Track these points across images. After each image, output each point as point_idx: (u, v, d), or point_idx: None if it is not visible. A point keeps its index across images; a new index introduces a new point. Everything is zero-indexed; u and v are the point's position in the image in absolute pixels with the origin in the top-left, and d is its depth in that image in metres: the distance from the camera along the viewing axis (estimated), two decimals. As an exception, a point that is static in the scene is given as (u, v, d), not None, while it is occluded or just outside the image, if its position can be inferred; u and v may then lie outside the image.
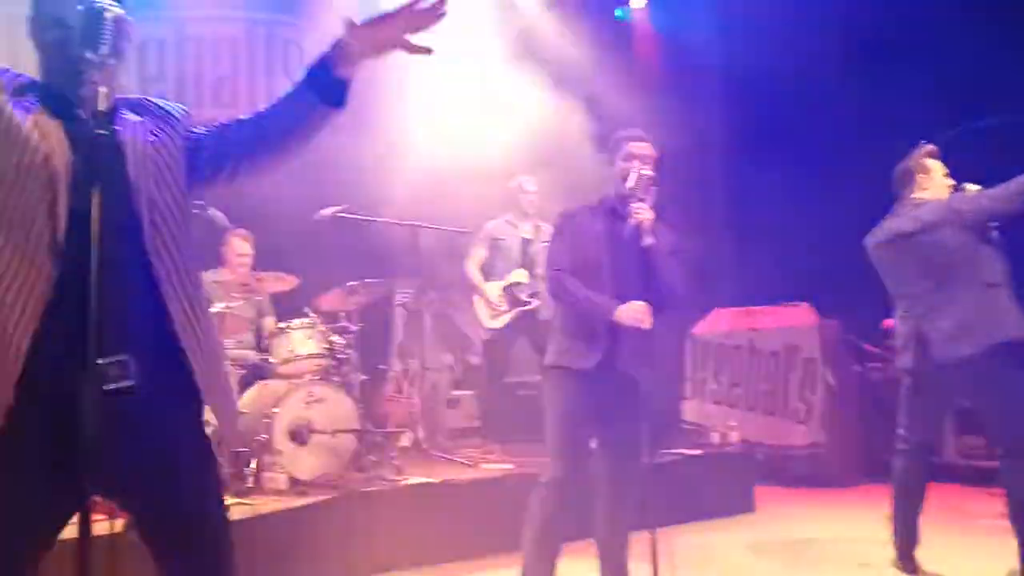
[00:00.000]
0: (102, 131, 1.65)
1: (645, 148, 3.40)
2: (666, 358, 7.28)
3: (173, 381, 1.80)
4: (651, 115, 5.94)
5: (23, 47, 1.90)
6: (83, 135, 1.70)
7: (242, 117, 1.98)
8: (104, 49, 1.66)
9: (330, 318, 5.14)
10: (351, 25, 1.86)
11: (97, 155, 1.62)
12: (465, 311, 6.51)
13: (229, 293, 4.94)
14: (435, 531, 4.40)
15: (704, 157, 8.10)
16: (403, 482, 4.62)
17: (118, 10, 1.71)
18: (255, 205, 4.58)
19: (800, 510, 5.89)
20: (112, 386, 1.67)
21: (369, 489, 4.46)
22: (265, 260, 5.36)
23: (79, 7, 1.70)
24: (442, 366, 6.43)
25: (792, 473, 6.66)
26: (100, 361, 1.61)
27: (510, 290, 5.86)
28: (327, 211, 5.09)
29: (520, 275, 5.88)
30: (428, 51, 1.91)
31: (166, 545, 1.85)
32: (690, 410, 7.51)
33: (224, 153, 1.95)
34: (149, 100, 1.97)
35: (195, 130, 1.96)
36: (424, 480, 4.69)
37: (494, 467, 5.16)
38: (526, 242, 5.92)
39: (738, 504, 5.73)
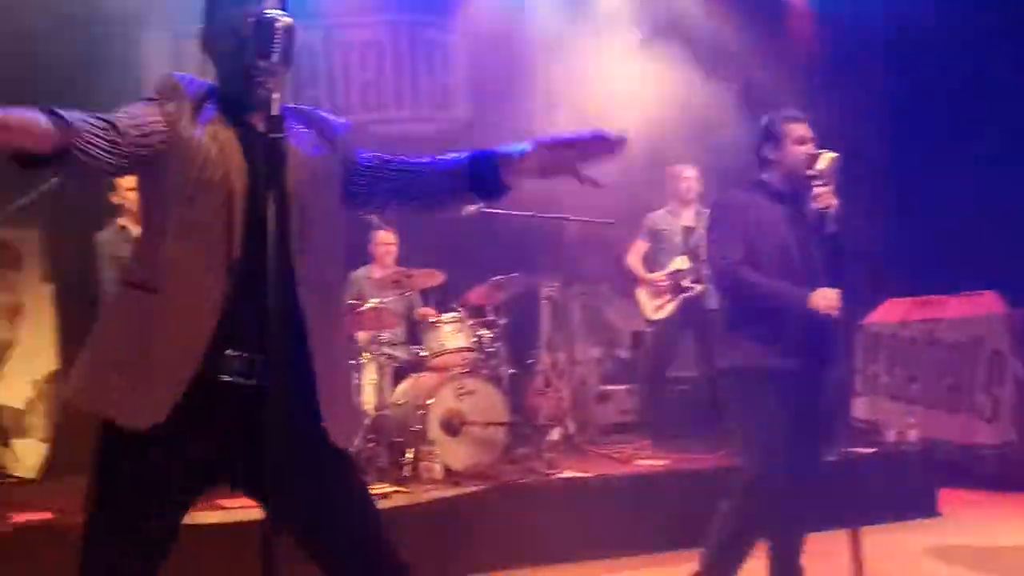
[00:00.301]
0: (273, 135, 1.81)
1: (808, 129, 3.46)
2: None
3: (304, 382, 1.97)
4: (808, 94, 5.97)
5: (189, 63, 2.18)
6: (256, 142, 1.91)
7: (403, 161, 2.17)
8: (275, 57, 1.84)
9: (477, 312, 5.49)
10: (532, 146, 2.05)
11: (269, 161, 1.80)
12: (614, 304, 6.72)
13: (381, 288, 5.37)
14: (589, 526, 4.58)
15: (870, 137, 7.97)
16: (556, 476, 4.87)
17: (287, 19, 1.87)
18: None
19: (990, 514, 5.73)
20: (231, 378, 1.89)
21: (523, 481, 4.75)
22: (414, 256, 5.76)
23: (251, 18, 1.88)
24: (590, 360, 6.65)
25: (980, 474, 6.47)
26: (231, 352, 1.88)
27: (672, 278, 6.06)
28: (472, 207, 5.40)
29: (681, 262, 6.06)
30: (597, 184, 2.08)
31: (312, 546, 2.01)
32: (861, 406, 7.42)
33: (378, 190, 2.17)
34: (315, 112, 2.17)
35: (361, 154, 2.17)
36: (578, 475, 4.92)
37: (648, 463, 5.35)
38: (688, 230, 6.11)
39: (920, 506, 5.63)
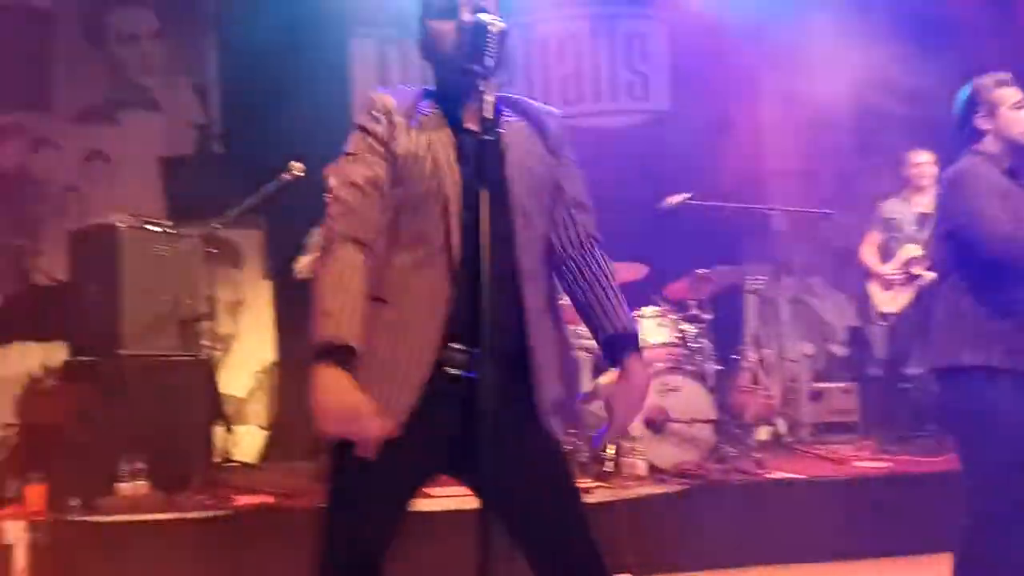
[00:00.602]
0: (488, 137, 1.90)
1: (1021, 93, 3.25)
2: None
3: (525, 375, 2.07)
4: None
5: (393, 65, 2.32)
6: (471, 145, 2.02)
7: (583, 247, 2.20)
8: (489, 61, 1.93)
9: (680, 307, 5.48)
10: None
11: (483, 165, 1.89)
12: (826, 298, 6.54)
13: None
14: (800, 529, 4.51)
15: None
16: (765, 476, 4.82)
17: (500, 24, 1.96)
18: (602, 195, 5.01)
19: None
20: (454, 371, 2.00)
21: (730, 481, 4.73)
22: (614, 248, 5.81)
23: (465, 24, 2.00)
24: (801, 356, 6.51)
25: None
26: (452, 345, 2.00)
27: (905, 267, 5.87)
28: (674, 199, 5.42)
29: (914, 249, 5.86)
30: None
31: (522, 538, 2.09)
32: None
33: (553, 252, 2.22)
34: (527, 101, 2.25)
35: (569, 190, 2.21)
36: (789, 476, 4.86)
37: (867, 465, 5.20)
38: (923, 217, 5.89)
39: None
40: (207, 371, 5.27)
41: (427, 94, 2.19)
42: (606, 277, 2.21)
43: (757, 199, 5.83)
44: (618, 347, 2.14)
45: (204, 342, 5.16)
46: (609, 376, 2.15)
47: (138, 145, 6.65)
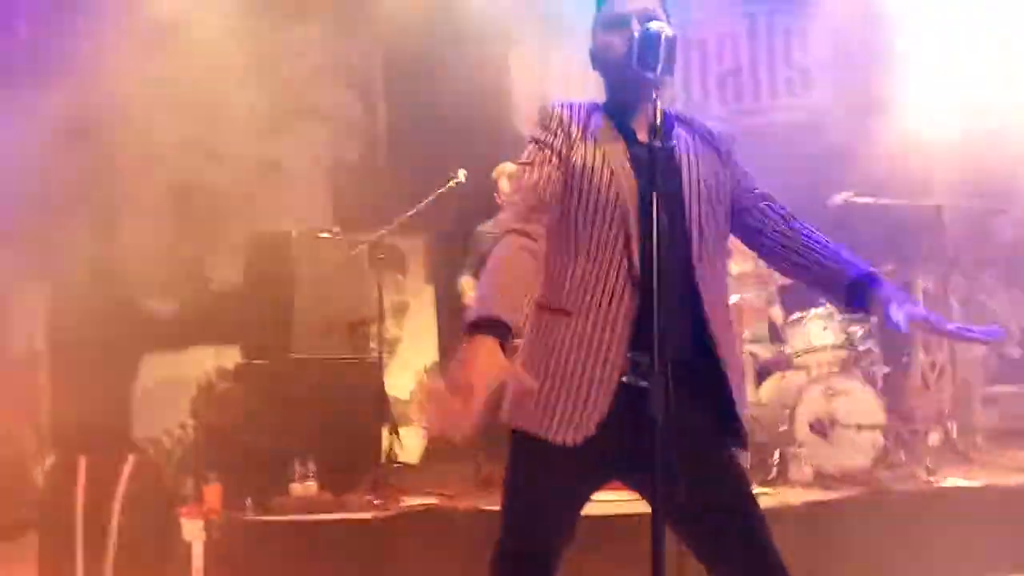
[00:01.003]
0: (660, 145, 1.92)
1: None
2: None
3: (702, 379, 2.10)
4: None
5: (555, 75, 2.35)
6: (643, 153, 2.02)
7: (791, 230, 2.24)
8: (660, 70, 1.96)
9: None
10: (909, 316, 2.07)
11: (657, 170, 1.92)
12: (999, 296, 6.23)
13: (741, 284, 5.38)
14: (976, 540, 4.29)
15: None
16: (938, 483, 4.64)
17: (669, 32, 2.00)
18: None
19: None
20: (627, 379, 2.03)
21: (901, 488, 4.57)
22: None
23: (635, 32, 2.03)
24: (974, 358, 6.22)
25: None
26: (634, 356, 2.02)
27: None
28: (839, 197, 5.28)
29: None
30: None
31: (702, 547, 2.12)
32: None
33: (755, 239, 2.28)
34: (695, 119, 2.31)
35: (752, 189, 2.26)
36: (963, 483, 4.66)
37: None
38: None
39: None
40: (374, 373, 5.42)
41: (599, 106, 2.23)
42: (821, 237, 2.24)
43: (924, 195, 5.60)
44: (862, 290, 2.15)
45: (372, 345, 5.31)
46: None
47: (307, 155, 6.91)
